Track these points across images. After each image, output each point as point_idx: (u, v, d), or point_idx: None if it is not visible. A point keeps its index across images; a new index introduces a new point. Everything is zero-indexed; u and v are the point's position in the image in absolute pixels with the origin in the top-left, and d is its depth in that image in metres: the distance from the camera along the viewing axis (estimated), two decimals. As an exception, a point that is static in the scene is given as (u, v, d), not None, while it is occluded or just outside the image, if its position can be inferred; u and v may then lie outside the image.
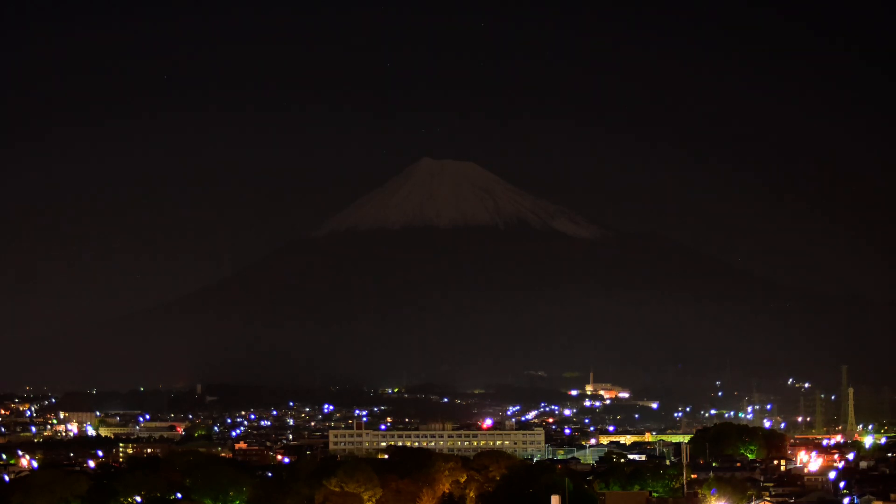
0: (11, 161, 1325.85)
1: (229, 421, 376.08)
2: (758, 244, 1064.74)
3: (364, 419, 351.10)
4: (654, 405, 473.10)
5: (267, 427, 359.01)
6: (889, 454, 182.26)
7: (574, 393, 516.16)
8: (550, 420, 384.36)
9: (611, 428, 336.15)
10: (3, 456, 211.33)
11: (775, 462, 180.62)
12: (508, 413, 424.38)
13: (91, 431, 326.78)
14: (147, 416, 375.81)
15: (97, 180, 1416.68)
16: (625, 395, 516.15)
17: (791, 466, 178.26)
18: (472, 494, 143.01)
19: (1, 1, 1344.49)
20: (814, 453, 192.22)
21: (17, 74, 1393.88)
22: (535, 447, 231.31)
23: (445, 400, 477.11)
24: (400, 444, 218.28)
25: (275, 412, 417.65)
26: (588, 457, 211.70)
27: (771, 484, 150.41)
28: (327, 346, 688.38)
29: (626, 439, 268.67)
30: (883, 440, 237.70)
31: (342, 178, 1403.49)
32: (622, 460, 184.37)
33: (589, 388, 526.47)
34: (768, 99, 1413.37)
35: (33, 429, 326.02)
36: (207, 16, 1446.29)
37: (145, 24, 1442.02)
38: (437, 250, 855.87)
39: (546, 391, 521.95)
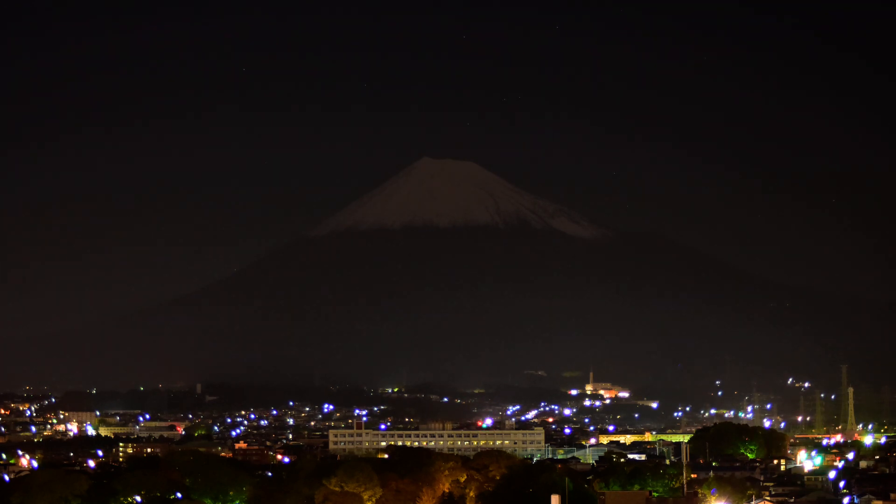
0: (12, 162, 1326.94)
1: (229, 421, 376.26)
2: (758, 244, 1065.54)
3: (364, 419, 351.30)
4: (654, 405, 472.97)
5: (267, 427, 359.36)
6: (889, 454, 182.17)
7: (574, 393, 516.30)
8: (550, 420, 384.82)
9: (611, 427, 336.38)
10: (3, 456, 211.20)
11: (775, 462, 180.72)
12: (508, 413, 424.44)
13: (91, 431, 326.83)
14: (147, 416, 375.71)
15: (97, 180, 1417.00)
16: (625, 394, 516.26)
17: (791, 466, 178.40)
18: (471, 494, 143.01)
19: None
20: (813, 452, 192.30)
21: (20, 78, 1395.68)
22: (535, 447, 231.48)
23: (445, 399, 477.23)
24: (400, 443, 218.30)
25: (275, 412, 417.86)
26: (588, 456, 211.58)
27: (771, 483, 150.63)
28: (327, 346, 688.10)
29: (626, 439, 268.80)
30: (883, 440, 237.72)
31: (342, 178, 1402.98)
32: (622, 460, 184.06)
33: (589, 388, 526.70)
34: (769, 99, 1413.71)
35: (33, 428, 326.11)
36: (207, 18, 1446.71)
37: (146, 27, 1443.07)
38: (437, 250, 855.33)
39: (546, 391, 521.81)
